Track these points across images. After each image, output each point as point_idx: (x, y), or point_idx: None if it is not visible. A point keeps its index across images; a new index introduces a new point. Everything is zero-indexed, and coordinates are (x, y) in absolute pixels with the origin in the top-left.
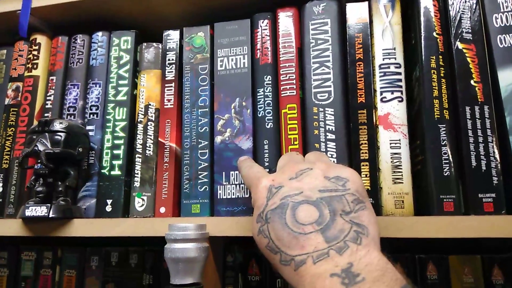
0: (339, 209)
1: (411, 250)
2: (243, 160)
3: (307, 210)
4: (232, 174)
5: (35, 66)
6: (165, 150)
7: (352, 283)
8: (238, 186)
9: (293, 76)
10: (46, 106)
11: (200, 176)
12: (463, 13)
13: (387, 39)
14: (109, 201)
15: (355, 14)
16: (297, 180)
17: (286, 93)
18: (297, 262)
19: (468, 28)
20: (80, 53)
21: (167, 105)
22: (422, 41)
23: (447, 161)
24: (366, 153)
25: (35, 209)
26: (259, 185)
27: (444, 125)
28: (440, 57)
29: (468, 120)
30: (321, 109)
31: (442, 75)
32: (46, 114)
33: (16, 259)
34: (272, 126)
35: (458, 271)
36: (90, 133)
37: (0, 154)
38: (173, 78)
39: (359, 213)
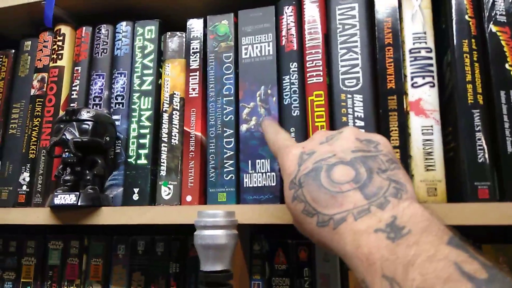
0: (375, 167)
1: None
2: (267, 124)
3: (343, 170)
4: (258, 162)
5: (60, 57)
6: (191, 139)
7: (398, 236)
8: (264, 174)
9: (319, 62)
10: (72, 97)
11: (225, 165)
12: None
13: (417, 23)
14: (136, 190)
15: None
16: (328, 144)
17: (313, 80)
18: (336, 220)
19: (502, 11)
20: (104, 43)
21: (192, 94)
22: (454, 25)
23: (481, 147)
24: (396, 139)
25: (64, 197)
26: (289, 154)
27: (478, 110)
28: (473, 40)
29: (503, 104)
30: (349, 96)
31: (475, 59)
32: (72, 104)
33: (43, 248)
34: (298, 114)
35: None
36: (116, 123)
37: (27, 144)
38: (198, 67)
39: (395, 171)
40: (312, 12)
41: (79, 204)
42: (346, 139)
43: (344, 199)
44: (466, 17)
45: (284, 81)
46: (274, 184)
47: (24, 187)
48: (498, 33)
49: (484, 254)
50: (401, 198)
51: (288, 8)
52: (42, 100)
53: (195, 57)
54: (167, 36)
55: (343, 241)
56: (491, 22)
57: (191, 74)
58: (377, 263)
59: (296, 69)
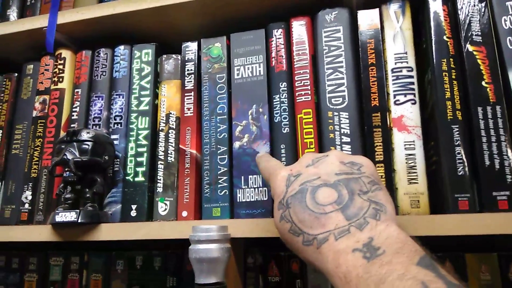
0: (357, 189)
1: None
2: (261, 156)
3: (326, 192)
4: (250, 178)
5: (60, 80)
6: (186, 156)
7: (373, 256)
8: (256, 189)
9: (307, 82)
10: (72, 117)
11: (220, 181)
12: (472, 17)
13: (398, 44)
14: (133, 206)
15: (367, 21)
16: (314, 166)
17: (301, 98)
18: (319, 240)
19: (477, 31)
20: (103, 66)
21: (187, 113)
22: (433, 45)
23: (461, 161)
24: (381, 154)
25: (65, 215)
26: (278, 176)
27: (457, 126)
28: (451, 59)
29: (480, 120)
30: (335, 113)
31: (453, 77)
32: (72, 125)
33: (44, 264)
34: (288, 131)
35: (475, 269)
36: (115, 142)
37: (29, 164)
38: (192, 87)
39: (376, 193)
40: (300, 34)
41: (79, 221)
42: (331, 162)
43: (327, 220)
44: (445, 37)
45: (274, 100)
46: (266, 198)
47: (26, 206)
48: (475, 53)
49: (452, 273)
50: (379, 219)
51: (277, 31)
52: (43, 121)
53: (190, 78)
54: (163, 58)
55: (325, 260)
56: (468, 42)
57: (186, 94)
58: (353, 281)
59: (285, 88)
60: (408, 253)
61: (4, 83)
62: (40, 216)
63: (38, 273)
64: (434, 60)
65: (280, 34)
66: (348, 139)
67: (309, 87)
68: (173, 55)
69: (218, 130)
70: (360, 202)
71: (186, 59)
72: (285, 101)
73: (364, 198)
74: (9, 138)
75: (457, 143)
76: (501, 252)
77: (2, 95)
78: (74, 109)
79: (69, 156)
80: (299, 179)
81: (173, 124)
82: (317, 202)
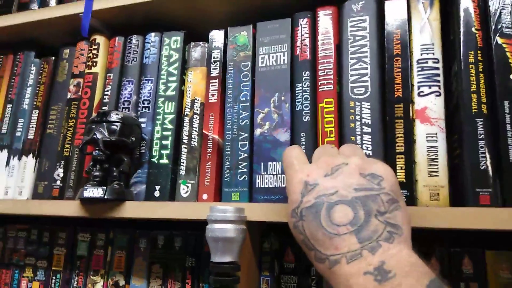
0: (374, 209)
1: (446, 244)
2: (291, 148)
3: (342, 211)
4: (270, 164)
5: (94, 64)
6: (209, 141)
7: (384, 279)
8: (275, 176)
9: (330, 71)
10: (104, 100)
11: (240, 166)
12: (503, 9)
13: (425, 35)
14: (157, 187)
15: (394, 11)
16: (332, 177)
17: (324, 88)
18: (331, 261)
19: (508, 23)
20: (134, 52)
21: (211, 99)
22: (461, 37)
23: (484, 155)
24: (402, 146)
25: (92, 191)
26: (296, 178)
27: (482, 119)
28: (479, 52)
29: (506, 114)
30: (357, 103)
31: (480, 70)
32: (103, 108)
33: (72, 239)
34: (309, 120)
35: (495, 267)
36: (142, 125)
37: (62, 143)
38: (218, 74)
39: (394, 213)
40: (325, 24)
41: (105, 197)
42: (350, 174)
43: (340, 242)
44: (473, 29)
45: (297, 89)
46: (284, 185)
47: (58, 182)
48: (504, 45)
49: None
50: (392, 242)
51: (303, 20)
52: (77, 103)
53: (215, 66)
54: (191, 46)
55: (337, 281)
56: (497, 34)
57: (211, 81)
58: None
59: (308, 77)
60: (417, 276)
61: (42, 66)
62: (70, 193)
63: (66, 247)
64: (461, 52)
65: (305, 24)
66: (369, 130)
67: (332, 77)
68: (201, 43)
69: (241, 116)
70: (375, 224)
71: (213, 46)
72: (308, 90)
73: (381, 219)
74: (45, 118)
75: (480, 137)
76: None
77: (40, 77)
78: (106, 92)
79: (99, 136)
80: (315, 191)
81: (197, 110)
82: (332, 222)
